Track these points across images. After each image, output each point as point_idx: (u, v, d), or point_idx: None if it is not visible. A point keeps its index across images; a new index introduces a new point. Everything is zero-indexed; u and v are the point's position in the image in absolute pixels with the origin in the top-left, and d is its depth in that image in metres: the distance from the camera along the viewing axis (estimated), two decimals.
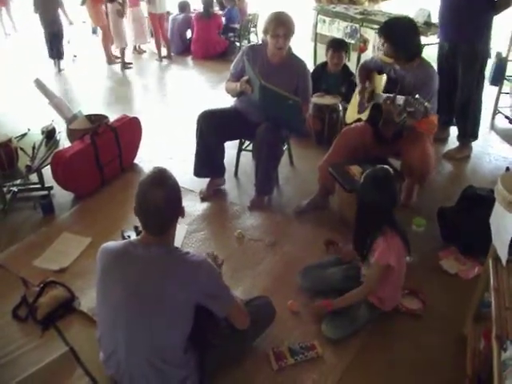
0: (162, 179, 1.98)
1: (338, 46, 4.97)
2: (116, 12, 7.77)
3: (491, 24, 4.22)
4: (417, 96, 3.05)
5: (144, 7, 8.62)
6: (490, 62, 5.17)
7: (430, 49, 5.35)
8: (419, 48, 3.54)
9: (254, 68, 3.48)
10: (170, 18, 9.28)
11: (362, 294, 2.63)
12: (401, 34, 3.43)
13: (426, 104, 3.02)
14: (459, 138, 4.70)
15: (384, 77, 3.52)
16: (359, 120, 3.76)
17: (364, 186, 2.53)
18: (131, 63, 8.43)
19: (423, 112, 3.05)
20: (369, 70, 3.75)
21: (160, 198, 1.92)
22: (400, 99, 3.16)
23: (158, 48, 8.72)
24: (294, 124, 3.63)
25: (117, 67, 8.29)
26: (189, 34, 9.35)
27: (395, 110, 3.21)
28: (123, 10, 7.98)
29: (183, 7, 9.23)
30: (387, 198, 2.50)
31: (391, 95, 3.21)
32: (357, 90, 3.84)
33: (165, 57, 8.84)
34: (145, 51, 9.38)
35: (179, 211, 2.01)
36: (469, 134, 4.62)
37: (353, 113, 3.89)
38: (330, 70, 5.05)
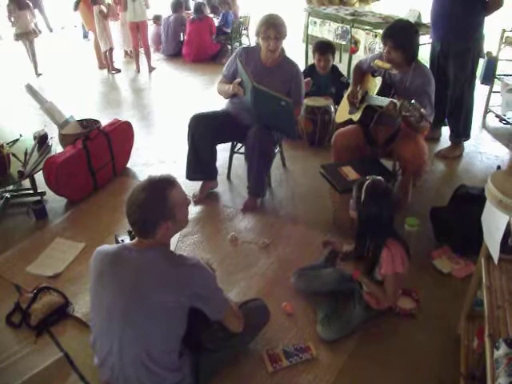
0: (149, 183, 2.01)
1: (323, 50, 4.98)
2: (99, 13, 7.73)
3: (483, 24, 4.23)
4: (413, 101, 3.05)
5: None
6: (481, 61, 5.21)
7: (421, 49, 5.38)
8: (418, 50, 3.55)
9: (247, 70, 3.49)
10: (163, 19, 9.29)
11: (385, 301, 2.63)
12: (410, 39, 3.42)
13: (422, 110, 3.01)
14: (451, 137, 4.72)
15: (379, 79, 3.52)
16: (350, 120, 3.77)
17: (367, 201, 2.46)
18: (119, 69, 8.38)
19: (418, 118, 3.04)
20: (363, 72, 3.76)
21: (140, 200, 1.96)
22: (397, 103, 3.14)
23: (136, 59, 8.26)
24: (285, 126, 3.63)
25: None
26: (182, 35, 9.32)
27: (394, 114, 3.21)
28: (107, 12, 7.93)
29: (176, 7, 9.18)
30: (390, 209, 2.51)
31: (395, 100, 3.18)
32: (348, 90, 3.84)
33: (151, 68, 8.34)
34: None
35: (162, 216, 1.98)
36: (461, 133, 4.63)
37: (343, 112, 3.89)
38: (319, 72, 5.06)
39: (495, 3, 4.06)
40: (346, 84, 4.89)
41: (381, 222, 2.47)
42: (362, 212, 2.48)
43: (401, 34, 3.40)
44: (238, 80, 3.64)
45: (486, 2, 4.06)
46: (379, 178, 2.55)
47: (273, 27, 3.51)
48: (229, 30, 9.22)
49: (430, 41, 4.64)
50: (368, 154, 3.68)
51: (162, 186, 2.01)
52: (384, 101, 3.31)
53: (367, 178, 2.52)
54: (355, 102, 3.69)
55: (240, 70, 3.61)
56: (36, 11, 11.66)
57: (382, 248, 2.48)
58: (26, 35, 8.02)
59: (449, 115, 4.63)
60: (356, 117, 3.67)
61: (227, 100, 3.94)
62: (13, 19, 7.86)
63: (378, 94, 3.48)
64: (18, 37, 8.03)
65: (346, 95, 3.85)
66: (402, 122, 3.40)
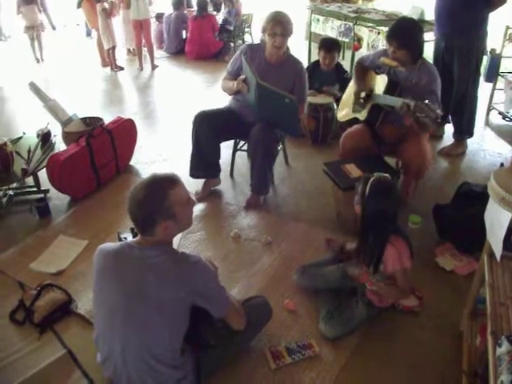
0: (151, 181, 2.01)
1: (329, 47, 4.97)
2: (102, 11, 7.74)
3: (487, 21, 4.21)
4: (426, 101, 3.01)
5: None
6: (484, 58, 5.19)
7: (425, 46, 5.35)
8: (423, 47, 3.53)
9: (252, 67, 3.49)
10: (164, 17, 9.30)
11: (398, 297, 2.66)
12: (415, 38, 3.38)
13: (437, 111, 2.98)
14: (455, 135, 4.71)
15: (385, 77, 3.49)
16: (355, 119, 3.75)
17: (372, 196, 2.44)
18: (122, 67, 8.40)
19: (434, 119, 3.00)
20: (365, 69, 3.74)
21: (140, 197, 1.95)
22: (411, 104, 3.08)
23: (139, 56, 8.35)
24: (289, 124, 3.62)
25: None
26: (184, 32, 9.37)
27: (408, 114, 3.15)
28: (111, 10, 7.95)
29: (177, 5, 9.20)
30: (394, 205, 2.50)
31: (406, 100, 3.13)
32: (352, 89, 3.81)
33: (154, 66, 8.41)
34: None
35: (160, 214, 1.96)
36: (464, 131, 4.62)
37: (347, 111, 3.88)
38: (322, 69, 5.05)
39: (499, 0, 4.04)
40: (350, 80, 4.89)
41: (385, 217, 2.46)
42: (366, 207, 2.47)
43: (405, 33, 3.37)
44: (243, 77, 3.64)
45: None
46: (385, 174, 2.54)
47: (280, 24, 3.51)
48: (231, 28, 9.22)
49: (434, 38, 4.62)
50: (373, 152, 3.67)
51: (164, 184, 1.99)
52: (394, 101, 3.28)
53: (373, 174, 2.52)
54: (361, 100, 3.66)
55: (244, 67, 3.61)
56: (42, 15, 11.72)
57: (385, 245, 2.47)
58: (33, 28, 8.77)
59: (452, 113, 4.62)
60: (362, 116, 3.65)
61: (231, 97, 3.94)
62: (21, 13, 8.56)
63: (384, 91, 3.45)
64: (26, 29, 8.77)
65: (352, 92, 3.80)
66: (414, 122, 3.33)
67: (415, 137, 3.46)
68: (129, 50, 9.20)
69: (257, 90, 3.45)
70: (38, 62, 8.91)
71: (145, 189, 1.97)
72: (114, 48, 8.13)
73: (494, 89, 5.51)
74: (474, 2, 4.04)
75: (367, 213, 2.48)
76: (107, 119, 4.51)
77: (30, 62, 8.76)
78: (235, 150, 4.27)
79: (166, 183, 2.00)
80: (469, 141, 4.75)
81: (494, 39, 4.92)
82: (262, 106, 3.60)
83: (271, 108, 3.55)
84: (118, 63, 8.35)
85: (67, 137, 4.22)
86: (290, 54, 3.84)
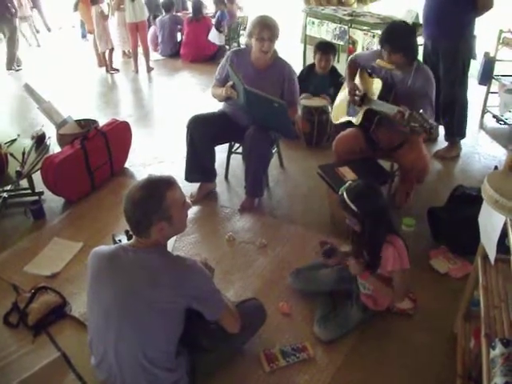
0: (147, 182, 2.01)
1: (325, 50, 4.98)
2: (99, 14, 7.71)
3: (473, 25, 4.23)
4: (421, 111, 3.01)
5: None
6: (478, 61, 5.21)
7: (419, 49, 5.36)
8: (417, 49, 3.54)
9: (238, 73, 3.49)
10: (158, 20, 9.27)
11: (396, 300, 2.66)
12: (408, 41, 3.39)
13: (430, 121, 2.97)
14: (447, 137, 4.73)
15: (379, 81, 3.50)
16: (349, 122, 3.75)
17: (359, 205, 2.41)
18: (117, 69, 8.37)
19: (427, 129, 2.99)
20: (359, 68, 3.73)
21: (136, 197, 1.95)
22: (406, 113, 3.06)
23: (135, 59, 8.21)
24: (282, 126, 3.62)
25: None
26: (179, 35, 9.36)
27: (402, 122, 3.12)
28: (108, 13, 7.91)
29: (168, 7, 9.18)
30: (382, 199, 2.50)
31: (401, 109, 3.10)
32: (346, 89, 3.81)
33: (150, 68, 8.34)
34: None
35: (157, 215, 1.96)
36: (455, 132, 4.64)
37: (341, 113, 3.87)
38: (317, 72, 5.06)
39: (485, 5, 4.05)
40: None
41: (383, 215, 2.46)
42: (364, 218, 2.43)
43: (398, 36, 3.37)
44: (231, 83, 3.64)
45: (475, 2, 4.04)
46: (359, 181, 2.55)
47: (267, 28, 3.51)
48: (225, 30, 9.16)
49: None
50: (368, 155, 3.66)
51: (160, 185, 2.00)
52: (389, 108, 3.27)
53: (342, 192, 2.52)
54: (356, 100, 3.64)
55: (231, 74, 3.61)
56: (34, 11, 11.74)
57: (382, 244, 2.45)
58: (27, 18, 10.35)
59: (442, 115, 4.61)
60: (357, 121, 3.63)
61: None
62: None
63: (379, 96, 3.44)
64: (21, 19, 9.79)
65: (346, 92, 3.78)
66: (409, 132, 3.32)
67: (413, 142, 3.45)
68: (124, 53, 9.15)
69: (245, 95, 3.45)
70: (39, 46, 10.72)
71: (142, 189, 1.97)
72: (111, 50, 8.09)
73: (488, 92, 5.53)
74: (461, 5, 4.05)
75: (369, 222, 2.43)
76: (102, 121, 4.50)
77: (25, 63, 8.72)
78: (230, 152, 4.27)
79: (163, 184, 2.01)
80: (463, 144, 4.77)
81: (488, 43, 4.94)
82: (252, 111, 3.60)
83: (262, 112, 3.56)
84: (114, 65, 8.32)
85: (62, 139, 4.21)
86: (278, 56, 3.82)
